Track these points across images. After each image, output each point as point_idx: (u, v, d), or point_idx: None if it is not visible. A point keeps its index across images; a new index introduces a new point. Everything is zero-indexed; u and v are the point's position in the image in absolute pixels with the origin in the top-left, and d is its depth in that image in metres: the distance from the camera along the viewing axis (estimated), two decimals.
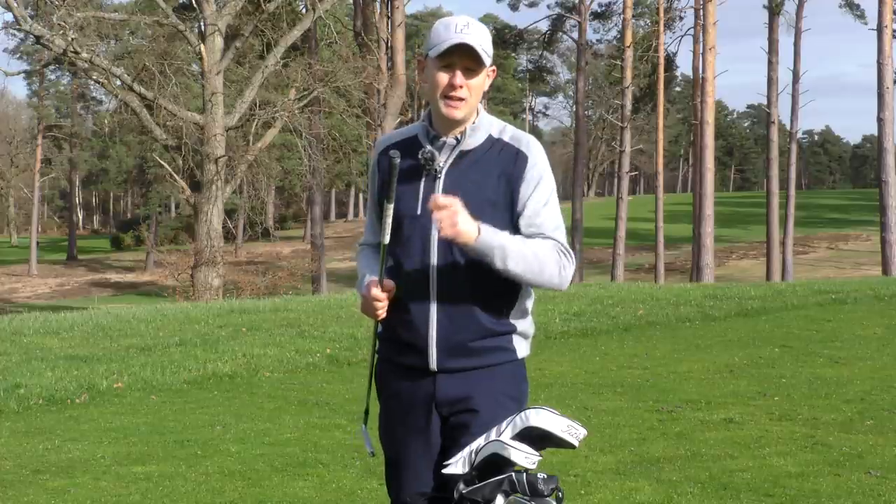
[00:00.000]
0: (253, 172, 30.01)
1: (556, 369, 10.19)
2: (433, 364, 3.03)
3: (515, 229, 3.00)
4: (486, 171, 3.01)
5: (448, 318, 3.00)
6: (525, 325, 3.12)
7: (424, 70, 3.06)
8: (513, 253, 2.90)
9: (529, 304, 3.14)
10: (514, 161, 3.02)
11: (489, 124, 3.08)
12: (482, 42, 2.96)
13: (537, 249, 2.95)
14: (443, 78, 2.98)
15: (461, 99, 2.98)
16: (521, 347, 3.12)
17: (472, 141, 3.05)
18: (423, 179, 3.04)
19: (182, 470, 6.64)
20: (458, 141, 3.05)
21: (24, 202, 78.98)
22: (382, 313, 3.04)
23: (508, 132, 3.08)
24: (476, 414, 3.01)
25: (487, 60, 2.98)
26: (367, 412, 3.33)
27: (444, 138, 3.05)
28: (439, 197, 2.88)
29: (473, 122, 3.05)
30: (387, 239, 3.01)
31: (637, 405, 8.25)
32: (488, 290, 3.00)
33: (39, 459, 7.04)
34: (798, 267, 42.65)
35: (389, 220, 2.99)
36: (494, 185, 3.01)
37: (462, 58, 2.96)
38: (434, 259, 3.01)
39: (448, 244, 2.96)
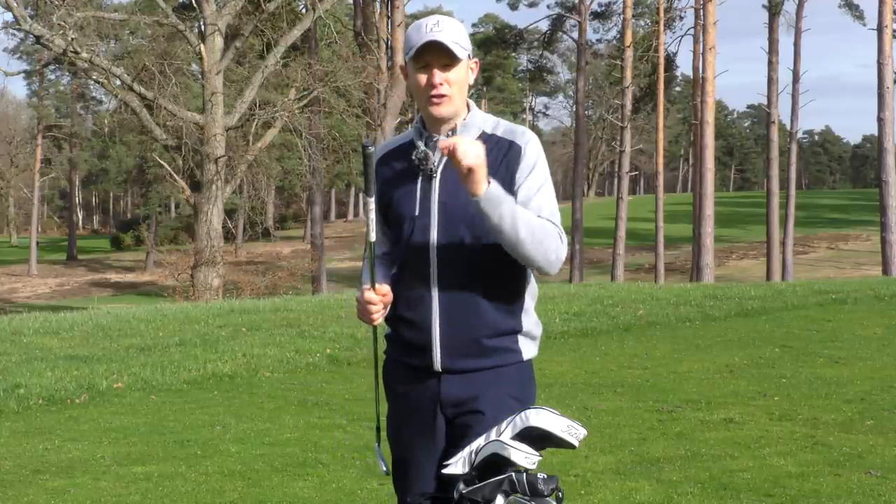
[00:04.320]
0: (253, 172, 29.99)
1: (556, 369, 10.19)
2: (437, 364, 3.02)
3: None
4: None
5: (451, 317, 2.99)
6: (530, 324, 3.09)
7: (408, 77, 3.06)
8: (520, 213, 2.86)
9: (532, 303, 3.11)
10: (507, 153, 3.00)
11: (483, 121, 3.08)
12: (454, 37, 2.95)
13: (542, 221, 2.92)
14: (422, 79, 2.98)
15: (443, 95, 2.97)
16: (528, 348, 3.09)
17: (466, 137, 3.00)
18: (420, 180, 3.04)
19: (182, 470, 6.64)
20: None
21: (24, 202, 78.94)
22: (378, 317, 3.02)
23: (502, 127, 3.07)
24: (480, 416, 2.98)
25: (463, 53, 2.97)
26: (378, 429, 3.26)
27: (437, 137, 3.04)
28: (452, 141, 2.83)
29: (464, 119, 3.05)
30: (373, 236, 3.02)
31: (637, 405, 8.25)
32: (491, 289, 2.99)
33: (39, 459, 7.04)
34: (798, 267, 42.63)
35: (373, 216, 3.01)
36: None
37: (436, 56, 2.95)
38: (435, 259, 2.99)
39: (448, 244, 2.97)
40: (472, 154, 2.80)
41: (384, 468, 3.16)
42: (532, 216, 2.89)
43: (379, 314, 3.01)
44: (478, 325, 2.99)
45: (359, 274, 3.25)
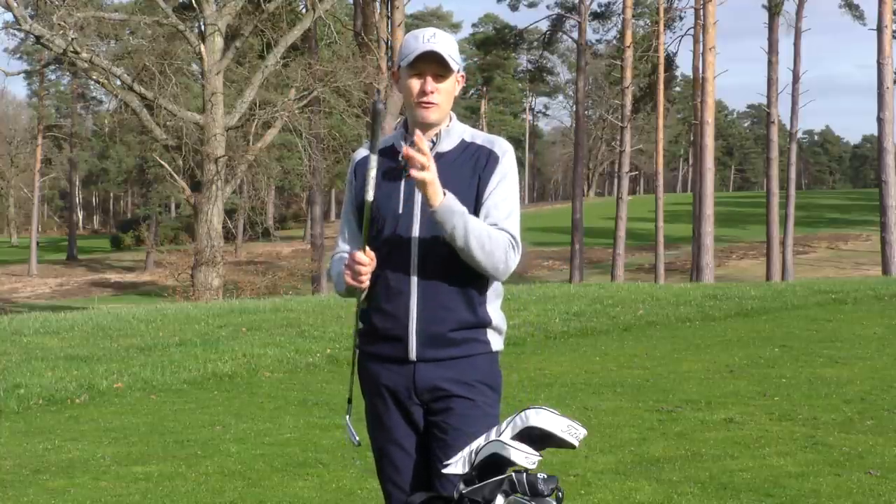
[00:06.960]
0: (253, 172, 29.96)
1: (556, 369, 10.19)
2: (413, 354, 3.20)
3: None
4: (461, 171, 3.22)
5: (428, 310, 3.19)
6: (498, 320, 3.31)
7: (399, 81, 3.29)
8: (472, 226, 3.09)
9: (500, 301, 3.34)
10: (486, 161, 3.24)
11: (462, 130, 3.31)
12: (449, 50, 3.19)
13: (492, 233, 3.13)
14: (415, 85, 3.21)
15: (433, 103, 3.20)
16: (496, 341, 3.30)
17: (447, 144, 3.27)
18: (403, 180, 3.23)
19: (182, 470, 6.65)
20: (434, 143, 3.25)
21: (24, 202, 78.93)
22: (366, 280, 3.16)
23: (480, 136, 3.31)
24: (456, 398, 3.20)
25: (455, 66, 3.21)
26: (350, 401, 3.43)
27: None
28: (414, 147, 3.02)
29: (447, 126, 3.28)
30: (371, 196, 3.13)
31: (637, 405, 8.25)
32: (465, 285, 3.20)
33: (39, 459, 7.04)
34: (798, 267, 42.62)
35: (374, 174, 3.13)
36: (468, 184, 3.21)
37: (431, 65, 3.18)
38: (416, 254, 3.18)
39: (429, 242, 3.16)
40: (425, 170, 3.02)
41: (356, 440, 3.31)
42: (484, 228, 3.12)
43: (367, 277, 3.16)
44: (452, 318, 3.21)
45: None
